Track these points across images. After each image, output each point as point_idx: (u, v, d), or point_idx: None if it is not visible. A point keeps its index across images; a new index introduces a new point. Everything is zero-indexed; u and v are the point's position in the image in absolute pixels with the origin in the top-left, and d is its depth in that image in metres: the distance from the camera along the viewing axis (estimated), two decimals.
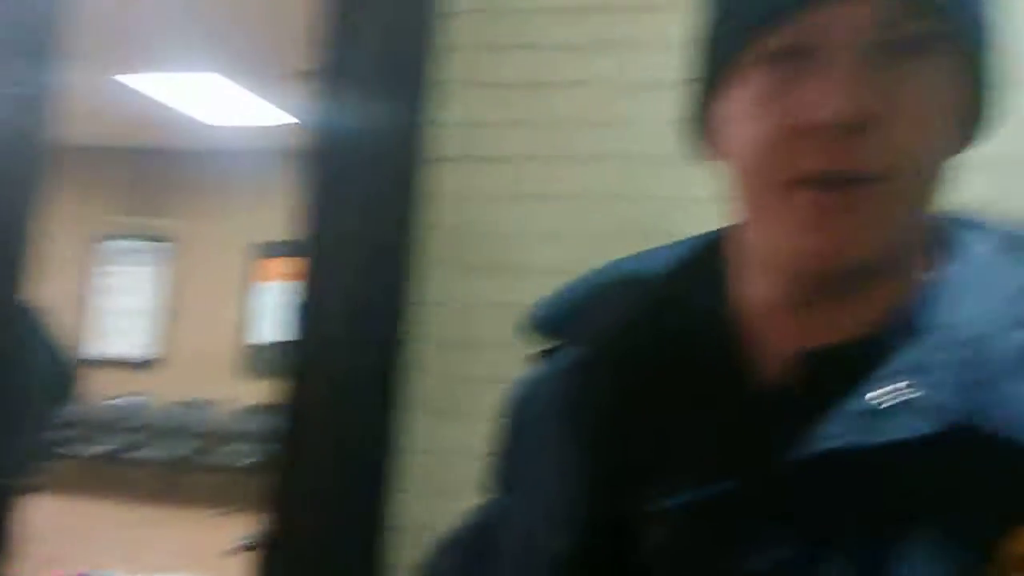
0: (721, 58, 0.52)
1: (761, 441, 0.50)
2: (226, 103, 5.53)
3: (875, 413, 0.46)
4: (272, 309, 7.01)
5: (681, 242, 0.63)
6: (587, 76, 1.89)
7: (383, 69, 1.80)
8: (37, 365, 2.80)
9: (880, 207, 0.47)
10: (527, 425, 0.65)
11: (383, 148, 1.80)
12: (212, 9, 3.95)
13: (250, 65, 4.61)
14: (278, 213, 6.94)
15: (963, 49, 0.48)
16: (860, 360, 0.48)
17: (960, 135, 0.51)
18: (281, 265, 6.97)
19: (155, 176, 7.29)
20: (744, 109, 0.50)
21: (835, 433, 0.46)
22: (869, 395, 0.47)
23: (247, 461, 6.70)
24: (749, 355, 0.55)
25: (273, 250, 7.00)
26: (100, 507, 6.66)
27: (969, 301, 0.50)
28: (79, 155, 6.84)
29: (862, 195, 0.47)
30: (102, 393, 6.83)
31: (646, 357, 0.56)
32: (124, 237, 7.41)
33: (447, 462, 1.86)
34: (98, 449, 6.95)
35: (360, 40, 1.73)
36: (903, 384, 0.46)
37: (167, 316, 7.40)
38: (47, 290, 2.23)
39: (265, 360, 6.94)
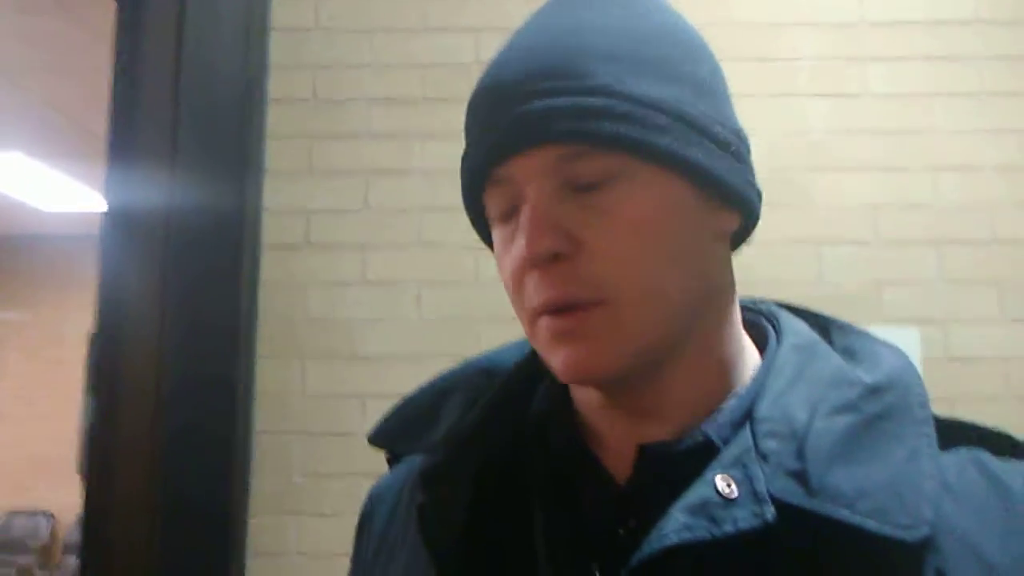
0: (474, 209, 0.58)
1: (610, 540, 0.52)
2: (51, 188, 5.26)
3: (715, 505, 0.48)
4: None
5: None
6: (422, 164, 1.93)
7: (210, 154, 1.76)
8: None
9: (607, 326, 0.50)
10: (375, 538, 0.65)
11: (213, 234, 1.76)
12: (28, 91, 3.78)
13: (73, 150, 4.43)
14: None
15: (669, 166, 0.51)
16: (694, 454, 0.51)
17: (725, 227, 0.55)
18: None
19: None
20: (497, 250, 0.56)
21: (678, 527, 0.47)
22: (707, 488, 0.49)
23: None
24: (593, 453, 0.56)
25: None
26: None
27: (792, 390, 0.53)
28: None
29: (586, 318, 0.50)
30: None
31: (490, 461, 0.57)
32: None
33: (292, 564, 1.79)
34: None
35: (186, 124, 1.70)
36: (739, 475, 0.49)
37: None
38: None
39: None
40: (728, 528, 0.47)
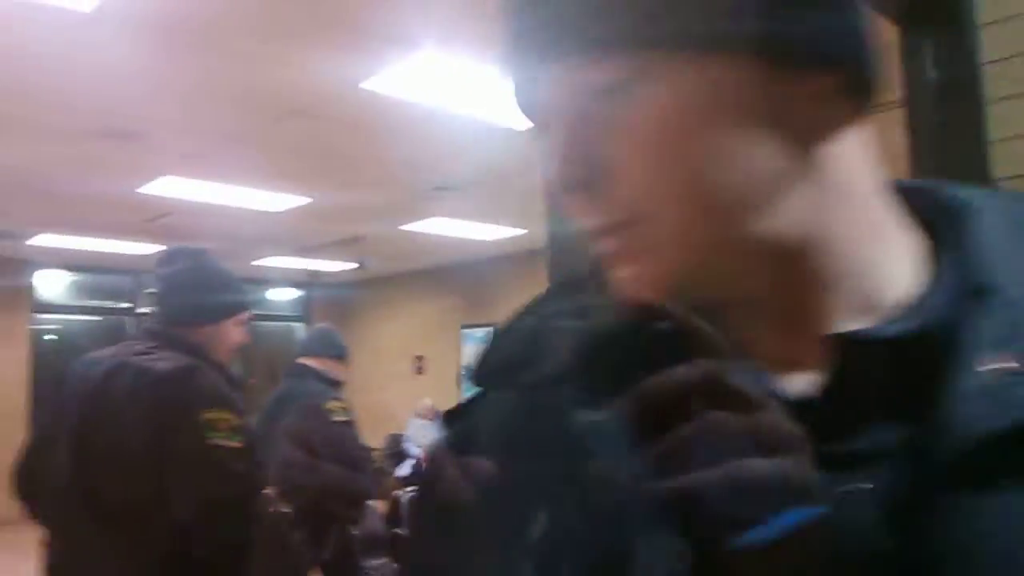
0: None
1: (839, 440, 0.42)
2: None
3: (1005, 386, 0.40)
4: None
5: None
6: None
7: None
8: None
9: (647, 244, 0.44)
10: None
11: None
12: None
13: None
14: None
15: (690, 50, 0.42)
16: (917, 342, 0.43)
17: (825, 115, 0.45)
18: None
19: None
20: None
21: (980, 413, 0.40)
22: (973, 374, 0.41)
23: None
24: (748, 351, 0.46)
25: None
26: None
27: (1020, 256, 0.44)
28: None
29: (635, 236, 0.45)
30: None
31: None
32: None
33: None
34: None
35: None
36: (1010, 355, 0.41)
37: None
38: None
39: None
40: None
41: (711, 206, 0.43)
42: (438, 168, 5.17)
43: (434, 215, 6.60)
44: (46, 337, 8.82)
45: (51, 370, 8.37)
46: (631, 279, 0.45)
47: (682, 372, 0.38)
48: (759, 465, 0.37)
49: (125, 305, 9.33)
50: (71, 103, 3.96)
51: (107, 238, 7.33)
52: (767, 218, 0.44)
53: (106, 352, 2.03)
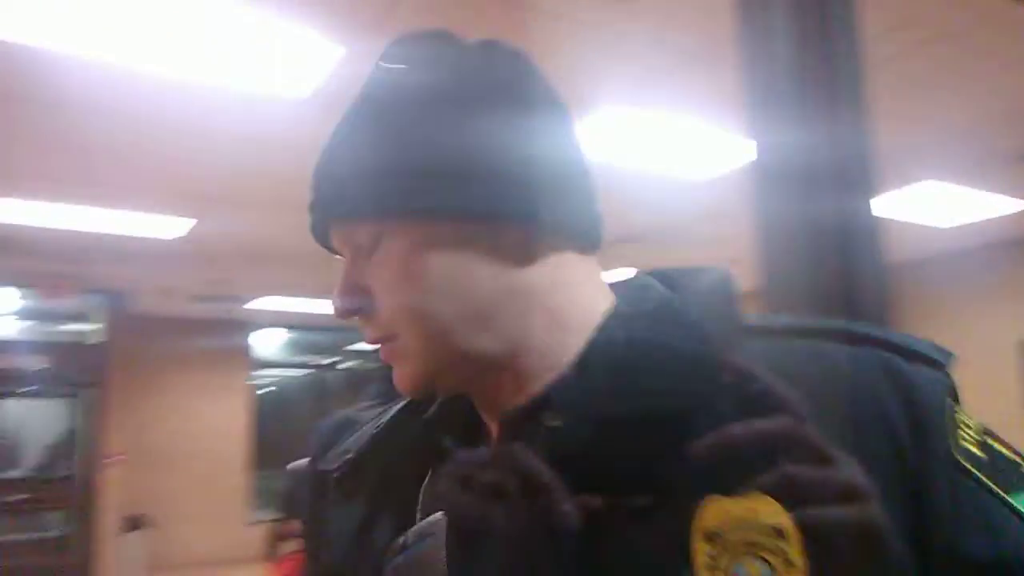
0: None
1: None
2: (943, 205, 5.18)
3: (546, 435, 0.56)
4: None
5: None
6: None
7: None
8: None
9: (403, 353, 0.62)
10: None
11: None
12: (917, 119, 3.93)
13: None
14: None
15: (407, 219, 0.60)
16: (536, 412, 0.58)
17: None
18: None
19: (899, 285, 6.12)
20: None
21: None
22: (543, 426, 0.57)
23: None
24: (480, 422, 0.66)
25: None
26: None
27: (616, 334, 0.59)
28: None
29: (390, 349, 0.63)
30: None
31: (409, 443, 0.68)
32: None
33: None
34: None
35: None
36: (561, 417, 0.56)
37: None
38: None
39: None
40: (543, 439, 0.56)
41: (438, 327, 0.60)
42: (620, 220, 5.26)
43: (616, 266, 6.60)
44: (262, 391, 9.61)
45: (267, 419, 9.11)
46: (396, 379, 0.63)
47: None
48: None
49: (330, 360, 10.01)
50: (286, 178, 4.37)
51: (312, 298, 7.95)
52: (483, 333, 0.60)
53: (343, 410, 2.28)
